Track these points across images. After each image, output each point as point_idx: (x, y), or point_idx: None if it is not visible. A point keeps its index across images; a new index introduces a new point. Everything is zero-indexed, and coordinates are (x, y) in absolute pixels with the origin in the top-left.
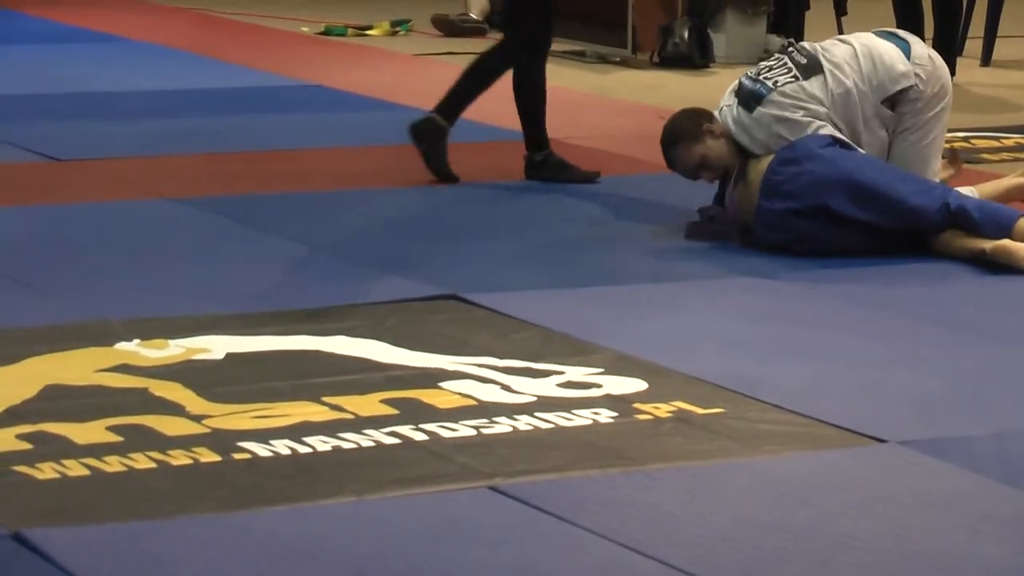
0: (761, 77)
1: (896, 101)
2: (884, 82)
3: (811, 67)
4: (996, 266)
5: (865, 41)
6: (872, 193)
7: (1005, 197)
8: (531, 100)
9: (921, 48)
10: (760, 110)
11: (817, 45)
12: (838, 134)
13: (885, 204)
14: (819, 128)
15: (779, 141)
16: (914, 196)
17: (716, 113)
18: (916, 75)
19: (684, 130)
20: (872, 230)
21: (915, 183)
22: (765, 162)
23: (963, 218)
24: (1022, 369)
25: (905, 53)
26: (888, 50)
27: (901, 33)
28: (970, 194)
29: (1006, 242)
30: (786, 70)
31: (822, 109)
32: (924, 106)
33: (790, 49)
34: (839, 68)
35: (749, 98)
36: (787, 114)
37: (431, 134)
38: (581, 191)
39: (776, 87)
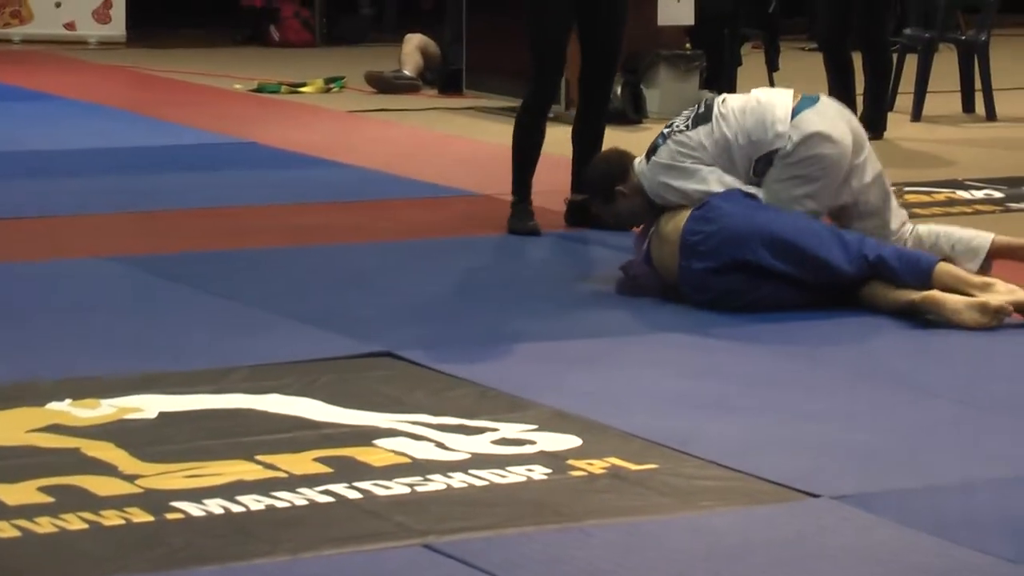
0: (665, 128)
1: (769, 164)
2: (762, 140)
3: (704, 116)
4: (926, 318)
5: (763, 95)
6: (790, 246)
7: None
8: (523, 147)
9: (814, 117)
10: (653, 159)
11: (724, 96)
12: (748, 188)
13: (802, 258)
14: (708, 174)
15: (666, 189)
16: (828, 250)
17: (635, 163)
18: (789, 137)
19: (597, 189)
20: (797, 283)
21: (830, 236)
22: (681, 218)
23: (882, 268)
24: (954, 423)
25: (795, 113)
26: (778, 107)
27: (822, 99)
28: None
29: (935, 293)
30: (683, 119)
31: (707, 157)
32: (783, 179)
33: (703, 99)
34: (725, 119)
35: (650, 149)
36: (673, 162)
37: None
38: (516, 246)
39: (669, 137)
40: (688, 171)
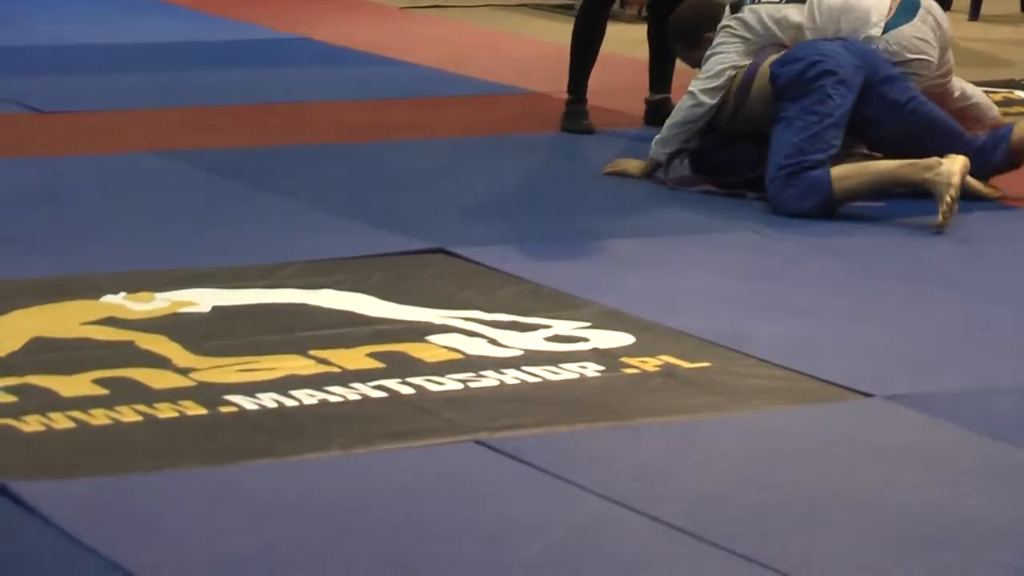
0: None
1: None
2: (856, 30)
3: None
4: (981, 226)
5: None
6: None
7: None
8: (584, 42)
9: (911, 36)
10: (730, 16)
11: None
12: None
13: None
14: (722, 65)
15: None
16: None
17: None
18: (886, 48)
19: (684, 34)
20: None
21: None
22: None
23: None
24: (1007, 326)
25: (892, 26)
26: (874, 12)
27: (920, 10)
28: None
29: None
30: None
31: (768, 32)
32: None
33: None
34: (820, 6)
35: (735, 4)
36: (727, 22)
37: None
38: (570, 145)
39: (753, 3)
40: (718, 52)
